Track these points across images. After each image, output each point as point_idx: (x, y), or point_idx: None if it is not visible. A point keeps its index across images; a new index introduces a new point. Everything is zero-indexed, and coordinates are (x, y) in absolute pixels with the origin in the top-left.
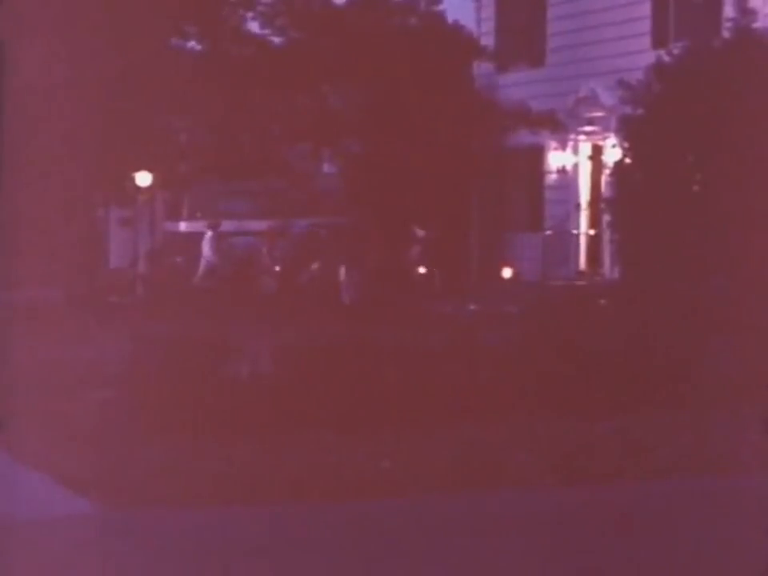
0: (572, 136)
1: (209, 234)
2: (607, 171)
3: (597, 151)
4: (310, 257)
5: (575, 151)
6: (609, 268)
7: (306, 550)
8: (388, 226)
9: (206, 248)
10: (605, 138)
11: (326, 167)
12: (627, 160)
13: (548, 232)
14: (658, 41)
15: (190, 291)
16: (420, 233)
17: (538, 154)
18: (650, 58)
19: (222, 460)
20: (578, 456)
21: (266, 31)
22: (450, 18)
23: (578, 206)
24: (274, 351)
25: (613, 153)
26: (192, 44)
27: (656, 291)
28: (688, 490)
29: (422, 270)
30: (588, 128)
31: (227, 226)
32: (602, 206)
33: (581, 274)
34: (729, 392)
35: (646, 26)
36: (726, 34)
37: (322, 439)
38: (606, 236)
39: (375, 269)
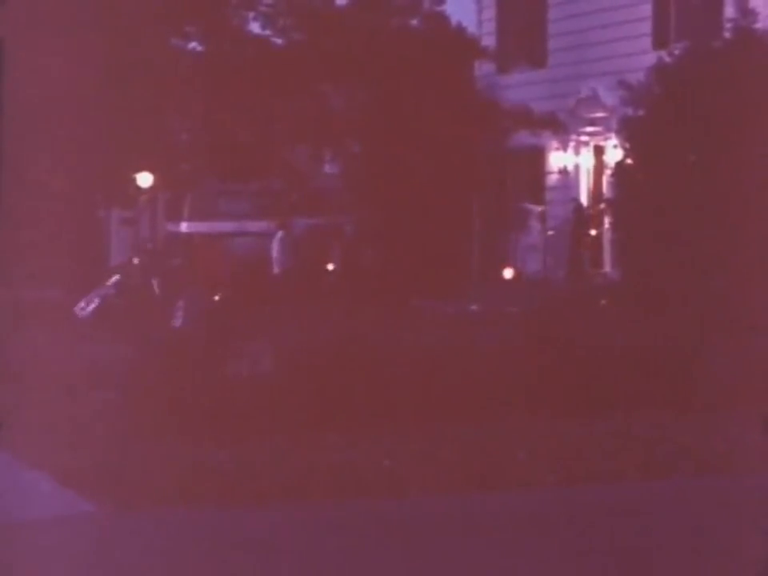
0: (573, 137)
1: (279, 234)
2: (608, 172)
3: (598, 152)
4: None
5: (576, 152)
6: (610, 268)
7: (306, 550)
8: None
9: (276, 248)
10: (606, 139)
11: (327, 168)
12: (628, 161)
13: (550, 232)
14: (659, 42)
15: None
16: (536, 209)
17: (539, 155)
18: (651, 58)
19: (222, 460)
20: (578, 456)
21: (268, 32)
22: (451, 19)
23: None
24: (274, 351)
25: (614, 153)
26: (193, 44)
27: (657, 291)
28: (688, 489)
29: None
30: (589, 129)
31: (227, 226)
32: (603, 206)
33: (582, 273)
34: (729, 392)
35: (647, 26)
36: (726, 35)
37: (322, 439)
38: (608, 236)
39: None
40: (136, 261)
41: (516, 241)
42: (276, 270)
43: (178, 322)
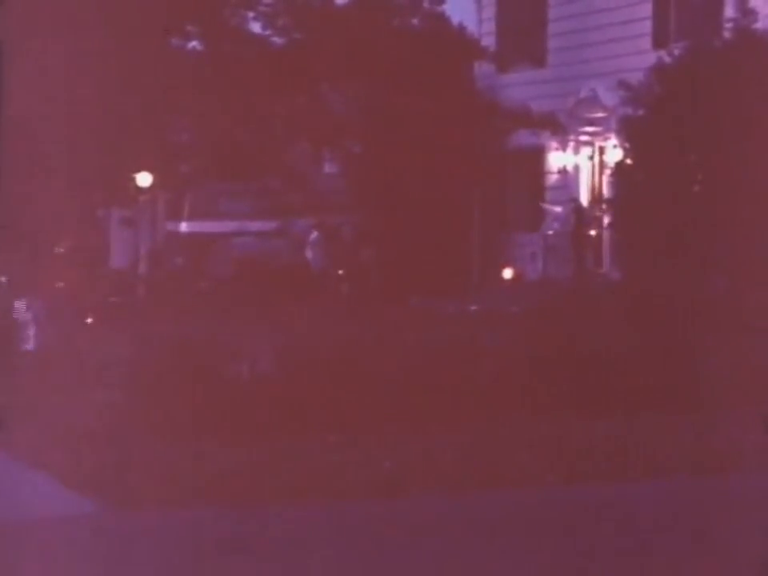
0: (573, 137)
1: (314, 234)
2: (608, 172)
3: (598, 152)
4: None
5: (576, 152)
6: (610, 268)
7: (305, 550)
8: None
9: (310, 250)
10: (606, 139)
11: (327, 167)
12: (628, 160)
13: (549, 232)
14: (659, 41)
15: (191, 291)
16: (556, 209)
17: (538, 155)
18: (650, 58)
19: (222, 460)
20: (578, 456)
21: (268, 31)
22: (451, 19)
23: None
24: (274, 351)
25: (614, 153)
26: (193, 44)
27: (657, 291)
28: (688, 489)
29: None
30: (589, 129)
31: (227, 226)
32: (603, 206)
33: (582, 273)
34: (729, 392)
35: (647, 26)
36: (726, 35)
37: (322, 439)
38: (608, 236)
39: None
40: (3, 279)
41: (530, 240)
42: (314, 268)
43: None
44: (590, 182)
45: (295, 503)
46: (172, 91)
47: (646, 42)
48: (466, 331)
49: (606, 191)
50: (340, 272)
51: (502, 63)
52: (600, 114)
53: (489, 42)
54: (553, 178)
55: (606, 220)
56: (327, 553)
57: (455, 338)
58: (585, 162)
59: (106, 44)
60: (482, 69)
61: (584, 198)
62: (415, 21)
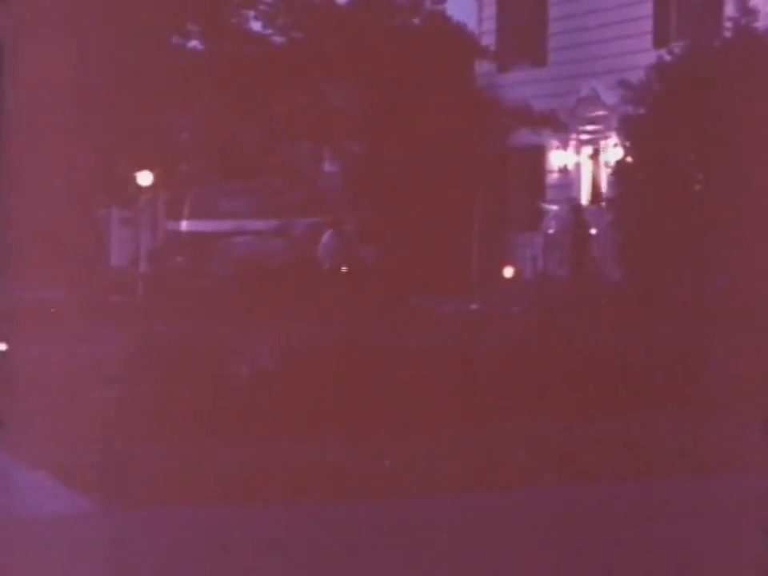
0: (573, 135)
1: (328, 232)
2: (609, 171)
3: (598, 151)
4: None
5: (577, 151)
6: (610, 267)
7: (306, 550)
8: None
9: (322, 249)
10: (606, 138)
11: (327, 166)
12: (629, 159)
13: (549, 231)
14: (660, 40)
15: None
16: (552, 208)
17: (539, 154)
18: (651, 57)
19: (222, 460)
20: (578, 456)
21: (268, 30)
22: (451, 18)
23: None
24: (274, 350)
25: (614, 152)
26: (193, 43)
27: (657, 291)
28: (688, 489)
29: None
30: (589, 127)
31: (227, 225)
32: (603, 205)
33: (581, 273)
34: (729, 392)
35: (648, 25)
36: (727, 34)
37: (322, 439)
38: (607, 235)
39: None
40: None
41: (530, 240)
42: (326, 266)
43: None
44: (590, 181)
45: (295, 503)
46: (172, 90)
47: (647, 41)
48: (466, 331)
49: (606, 190)
50: (344, 269)
51: (503, 62)
52: (601, 113)
53: (489, 41)
54: (553, 177)
55: (606, 219)
56: (327, 553)
57: (455, 338)
58: (585, 161)
59: (106, 43)
60: (482, 68)
61: (585, 197)
62: (415, 20)
